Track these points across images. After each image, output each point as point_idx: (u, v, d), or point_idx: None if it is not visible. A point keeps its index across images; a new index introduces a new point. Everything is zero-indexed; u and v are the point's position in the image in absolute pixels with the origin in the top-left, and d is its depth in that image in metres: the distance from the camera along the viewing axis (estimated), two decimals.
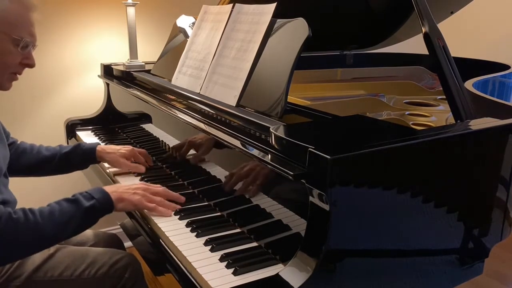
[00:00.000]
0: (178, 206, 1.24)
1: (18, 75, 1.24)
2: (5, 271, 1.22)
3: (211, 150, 1.33)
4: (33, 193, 2.05)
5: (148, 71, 1.94)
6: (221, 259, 1.01)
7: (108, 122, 2.09)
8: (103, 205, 1.14)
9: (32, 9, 1.20)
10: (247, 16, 1.44)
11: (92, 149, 1.52)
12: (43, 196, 1.60)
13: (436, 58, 1.16)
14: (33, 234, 1.06)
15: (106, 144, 1.84)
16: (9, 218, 1.04)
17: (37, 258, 1.25)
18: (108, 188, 1.19)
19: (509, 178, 1.15)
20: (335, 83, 2.20)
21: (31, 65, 1.23)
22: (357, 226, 0.91)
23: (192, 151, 1.42)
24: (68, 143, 2.06)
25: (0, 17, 1.13)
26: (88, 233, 1.56)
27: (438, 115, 1.60)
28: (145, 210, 1.23)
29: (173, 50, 1.83)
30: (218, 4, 1.76)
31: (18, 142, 1.52)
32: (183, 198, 1.28)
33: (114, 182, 1.50)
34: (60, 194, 1.27)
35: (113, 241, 1.57)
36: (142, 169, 1.50)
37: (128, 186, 1.24)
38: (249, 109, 1.28)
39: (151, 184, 1.29)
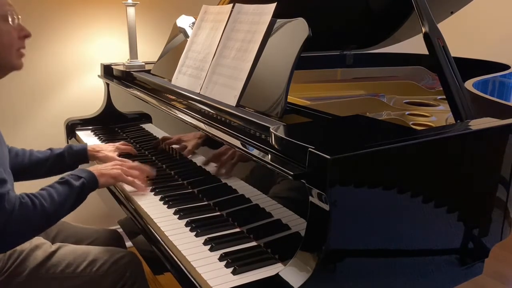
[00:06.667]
0: (146, 189, 1.37)
1: (24, 50, 1.27)
2: (7, 267, 1.23)
3: (211, 150, 1.33)
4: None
5: (148, 71, 1.94)
6: (220, 259, 1.01)
7: (108, 122, 2.09)
8: (90, 182, 1.25)
9: None
10: (247, 16, 1.44)
11: (83, 149, 1.57)
12: None
13: (436, 58, 1.15)
14: (40, 216, 1.12)
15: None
16: (20, 203, 1.10)
17: (39, 255, 1.26)
18: (89, 168, 1.31)
19: (509, 178, 1.15)
20: (335, 83, 2.20)
21: (28, 35, 1.26)
22: (357, 226, 0.91)
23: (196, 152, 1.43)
24: (68, 143, 2.06)
25: None
26: (89, 229, 1.57)
27: (438, 115, 1.59)
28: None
29: (173, 50, 1.83)
30: (218, 4, 1.76)
31: (9, 146, 1.48)
32: (153, 171, 1.43)
33: None
34: None
35: (113, 238, 1.58)
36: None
37: (106, 164, 1.37)
38: (249, 109, 1.28)
39: (125, 159, 1.44)
